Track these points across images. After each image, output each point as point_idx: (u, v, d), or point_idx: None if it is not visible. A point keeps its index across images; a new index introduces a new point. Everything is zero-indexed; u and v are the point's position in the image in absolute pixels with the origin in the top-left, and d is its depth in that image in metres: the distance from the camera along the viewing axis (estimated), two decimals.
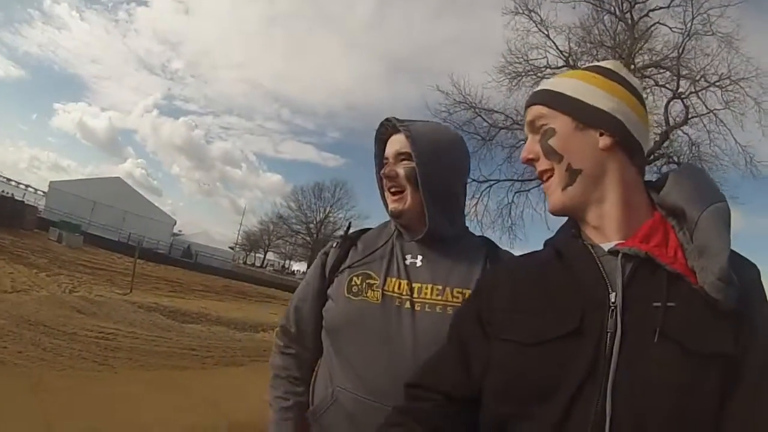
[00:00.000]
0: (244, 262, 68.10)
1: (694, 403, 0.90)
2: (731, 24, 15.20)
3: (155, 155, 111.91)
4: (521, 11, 17.39)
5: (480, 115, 17.92)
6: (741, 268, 0.99)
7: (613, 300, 0.99)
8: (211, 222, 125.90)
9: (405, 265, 1.61)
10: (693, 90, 15.92)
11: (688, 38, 15.83)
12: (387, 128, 1.72)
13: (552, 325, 1.03)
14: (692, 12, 15.68)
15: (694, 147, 16.34)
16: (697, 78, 15.73)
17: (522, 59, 17.66)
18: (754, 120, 15.22)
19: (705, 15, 15.50)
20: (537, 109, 1.21)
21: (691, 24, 15.72)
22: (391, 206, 1.66)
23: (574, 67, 15.53)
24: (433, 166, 1.60)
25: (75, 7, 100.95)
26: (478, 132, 17.73)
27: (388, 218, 1.77)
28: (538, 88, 1.25)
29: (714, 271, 0.94)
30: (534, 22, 17.40)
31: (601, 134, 1.12)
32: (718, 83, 15.48)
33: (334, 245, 1.75)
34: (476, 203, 18.14)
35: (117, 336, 9.97)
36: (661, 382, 0.91)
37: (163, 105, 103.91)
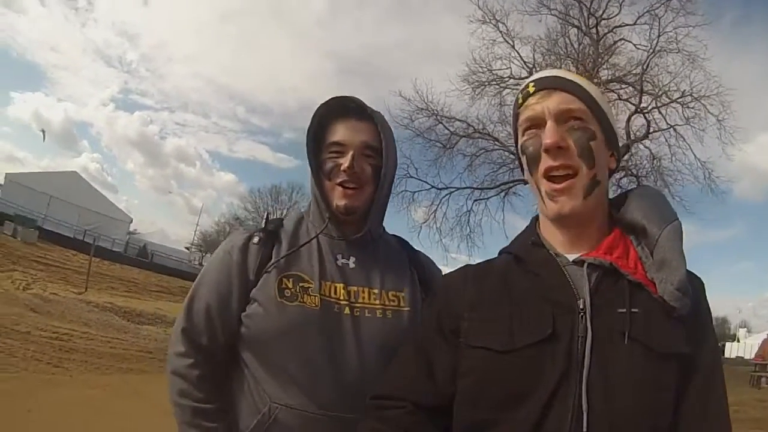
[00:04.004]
0: (200, 263, 66.88)
1: (659, 397, 0.99)
2: (697, 43, 15.57)
3: (110, 150, 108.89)
4: (488, 20, 17.48)
5: (441, 123, 17.90)
6: (691, 280, 1.07)
7: (581, 306, 1.05)
8: (166, 221, 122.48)
9: (338, 267, 1.50)
10: (655, 105, 16.28)
11: (652, 55, 16.18)
12: (341, 108, 1.53)
13: (524, 331, 1.06)
14: (658, 30, 16.06)
15: (654, 161, 16.71)
16: (660, 94, 16.10)
17: (486, 69, 17.69)
18: (714, 136, 15.63)
19: (673, 33, 15.86)
20: (574, 102, 1.16)
21: (657, 41, 16.09)
22: (344, 202, 1.48)
23: None
24: (394, 167, 1.57)
25: None
26: (439, 139, 17.66)
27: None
28: (569, 77, 1.20)
29: (674, 283, 1.03)
30: (500, 32, 17.50)
31: (612, 155, 1.21)
32: (679, 100, 15.88)
33: (255, 240, 1.51)
34: (435, 210, 18.13)
35: (72, 337, 9.73)
36: (631, 379, 0.99)
37: (119, 98, 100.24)
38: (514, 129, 1.27)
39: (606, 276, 1.08)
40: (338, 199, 1.50)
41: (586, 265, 1.10)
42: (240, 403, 1.43)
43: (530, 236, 1.23)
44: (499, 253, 1.30)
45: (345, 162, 1.48)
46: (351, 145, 1.50)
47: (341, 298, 1.45)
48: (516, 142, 1.28)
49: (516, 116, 1.25)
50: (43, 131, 78.64)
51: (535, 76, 1.24)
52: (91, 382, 7.22)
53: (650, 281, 1.07)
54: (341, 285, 1.46)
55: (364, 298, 1.47)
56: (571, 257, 1.14)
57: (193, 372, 1.44)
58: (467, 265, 1.36)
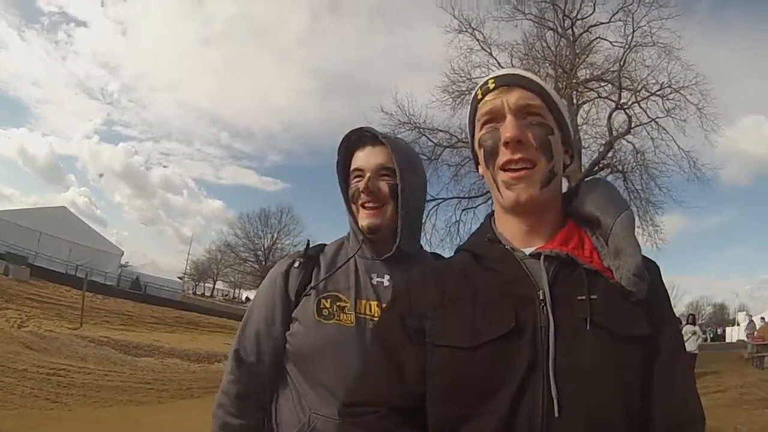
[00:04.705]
0: (194, 293, 65.86)
1: (625, 379, 1.02)
2: (672, 34, 15.77)
3: (97, 183, 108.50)
4: (464, 30, 17.65)
5: (425, 135, 18.01)
6: (647, 265, 1.12)
7: (541, 297, 1.08)
8: (157, 252, 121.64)
9: (372, 285, 1.59)
10: (635, 100, 16.46)
11: (628, 51, 16.40)
12: (359, 138, 1.67)
13: (488, 327, 1.08)
14: (632, 25, 16.34)
15: (638, 155, 16.87)
16: (639, 88, 16.29)
17: (465, 78, 17.87)
18: (696, 125, 15.80)
19: (646, 27, 16.07)
20: (533, 98, 1.19)
21: (632, 37, 16.32)
22: (367, 221, 1.60)
23: None
24: (412, 184, 1.63)
25: (14, 25, 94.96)
26: (423, 152, 17.62)
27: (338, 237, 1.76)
28: (528, 76, 1.23)
29: (630, 269, 1.07)
30: (477, 40, 17.69)
31: (566, 151, 1.25)
32: (659, 92, 16.08)
33: (296, 265, 1.66)
34: (424, 222, 18.10)
35: (69, 372, 9.62)
36: (597, 364, 1.02)
37: (102, 131, 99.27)
38: (471, 123, 1.30)
39: (563, 266, 1.12)
40: (362, 220, 1.62)
41: (543, 257, 1.13)
42: (285, 413, 1.57)
43: (486, 233, 1.25)
44: (456, 252, 1.34)
45: (362, 184, 1.61)
46: (368, 168, 1.62)
47: (375, 315, 1.54)
48: (472, 136, 1.30)
49: (474, 111, 1.27)
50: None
51: (496, 73, 1.26)
52: (91, 416, 7.15)
53: (607, 269, 1.11)
54: (375, 302, 1.56)
55: None
56: (528, 251, 1.17)
57: (234, 388, 1.61)
58: (424, 266, 1.39)
